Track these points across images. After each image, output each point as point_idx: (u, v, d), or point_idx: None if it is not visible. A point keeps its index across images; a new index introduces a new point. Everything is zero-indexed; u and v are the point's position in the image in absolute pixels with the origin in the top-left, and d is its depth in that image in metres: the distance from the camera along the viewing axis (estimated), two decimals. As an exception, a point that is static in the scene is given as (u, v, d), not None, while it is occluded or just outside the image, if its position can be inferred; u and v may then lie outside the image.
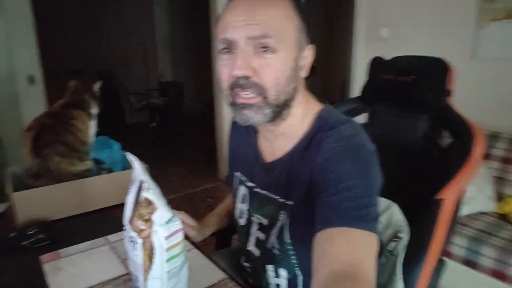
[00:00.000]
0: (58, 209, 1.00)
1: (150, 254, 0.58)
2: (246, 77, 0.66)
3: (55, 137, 1.02)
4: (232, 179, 0.93)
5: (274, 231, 0.77)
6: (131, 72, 5.94)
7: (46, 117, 1.06)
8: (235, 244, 1.23)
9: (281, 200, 0.76)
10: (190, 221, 0.95)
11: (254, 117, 0.69)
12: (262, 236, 0.82)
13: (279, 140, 0.77)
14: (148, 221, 0.58)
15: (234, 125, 0.96)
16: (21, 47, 2.45)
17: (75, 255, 0.82)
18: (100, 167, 1.16)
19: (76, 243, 0.87)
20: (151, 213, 0.58)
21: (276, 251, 0.78)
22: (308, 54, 0.72)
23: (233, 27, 0.65)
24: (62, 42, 5.38)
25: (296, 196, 0.73)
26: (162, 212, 0.57)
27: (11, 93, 2.48)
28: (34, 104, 2.54)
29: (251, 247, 0.85)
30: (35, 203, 0.96)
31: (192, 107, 6.39)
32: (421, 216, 0.84)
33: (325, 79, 5.10)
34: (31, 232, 0.87)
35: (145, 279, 0.59)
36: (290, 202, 0.74)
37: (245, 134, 0.89)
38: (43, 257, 0.81)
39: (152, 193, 0.58)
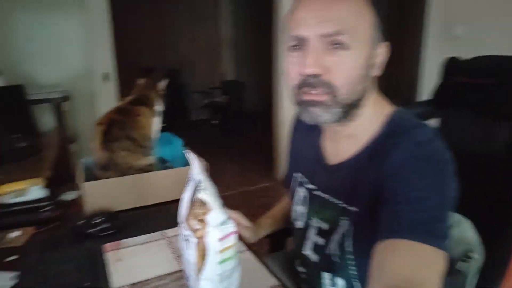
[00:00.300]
0: (121, 200, 1.05)
1: (203, 255, 0.57)
2: (316, 76, 0.63)
3: (122, 133, 1.07)
4: (291, 180, 0.90)
5: (336, 237, 0.73)
6: (196, 71, 6.17)
7: (114, 113, 1.12)
8: (289, 247, 1.21)
9: (343, 205, 0.71)
10: (245, 221, 0.94)
11: (321, 115, 0.66)
12: (321, 241, 0.77)
13: (345, 142, 0.73)
14: (202, 221, 0.58)
15: (296, 125, 0.93)
16: (98, 47, 2.66)
17: (134, 247, 0.85)
18: (164, 166, 1.21)
19: (135, 235, 0.90)
20: (205, 213, 0.57)
21: (336, 259, 0.74)
22: (382, 52, 0.68)
23: (306, 24, 0.63)
24: (135, 41, 5.74)
25: (361, 203, 0.68)
26: (216, 214, 0.57)
27: (88, 89, 2.70)
28: (107, 99, 2.74)
29: (308, 251, 0.81)
30: (101, 194, 1.02)
31: (252, 106, 6.46)
32: (499, 236, 0.75)
33: (390, 78, 4.85)
34: (97, 221, 0.92)
35: (197, 279, 0.59)
36: (353, 208, 0.69)
37: (308, 134, 0.86)
38: (106, 246, 0.85)
39: (207, 193, 0.57)
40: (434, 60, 2.92)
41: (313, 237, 0.80)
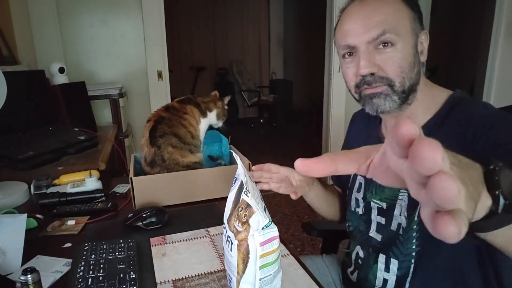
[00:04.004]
0: (169, 196, 1.08)
1: (244, 258, 0.57)
2: (372, 74, 0.73)
3: (169, 129, 1.10)
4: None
5: (397, 212, 0.78)
6: (245, 70, 6.24)
7: (162, 111, 1.15)
8: (341, 252, 1.19)
9: None
10: (297, 175, 0.95)
11: (383, 104, 0.75)
12: (382, 220, 0.83)
13: None
14: (245, 224, 0.57)
15: (353, 120, 1.03)
16: (153, 46, 2.77)
17: (178, 243, 0.87)
18: (216, 163, 1.22)
19: (181, 231, 0.92)
20: (249, 216, 0.56)
21: (401, 231, 0.77)
22: (424, 39, 0.76)
23: (353, 34, 0.73)
24: (187, 41, 5.93)
25: None
26: (259, 217, 0.56)
27: (143, 87, 2.83)
28: (160, 96, 2.84)
29: (373, 233, 0.86)
30: (149, 189, 1.05)
31: (300, 105, 6.41)
32: None
33: (450, 80, 4.55)
34: (145, 215, 0.95)
35: (238, 282, 0.58)
36: None
37: (366, 126, 0.95)
38: (152, 240, 0.88)
39: (250, 196, 0.56)
40: (502, 60, 2.69)
41: (375, 218, 0.86)
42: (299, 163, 0.34)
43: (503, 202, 0.36)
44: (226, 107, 1.31)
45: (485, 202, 0.36)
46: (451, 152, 0.31)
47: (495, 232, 0.40)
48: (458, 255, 0.73)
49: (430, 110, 0.77)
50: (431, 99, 0.78)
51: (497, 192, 0.36)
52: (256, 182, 0.94)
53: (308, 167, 0.34)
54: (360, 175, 0.90)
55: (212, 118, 1.25)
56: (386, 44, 0.71)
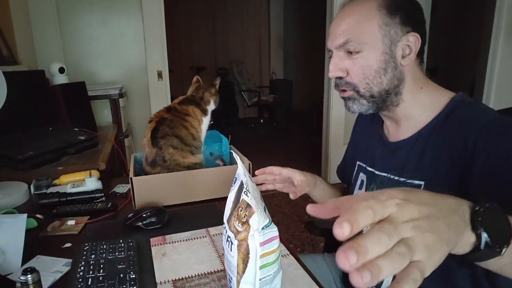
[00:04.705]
0: (169, 196, 1.08)
1: (244, 258, 0.57)
2: (340, 78, 0.78)
3: (170, 130, 1.10)
4: (348, 169, 1.01)
5: None
6: (245, 70, 6.24)
7: (164, 112, 1.15)
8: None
9: (405, 180, 0.78)
10: (299, 176, 0.97)
11: (352, 106, 0.79)
12: None
13: (404, 123, 0.81)
14: (245, 224, 0.57)
15: (358, 120, 1.05)
16: (153, 45, 2.77)
17: (178, 243, 0.87)
18: (215, 162, 1.22)
19: (181, 231, 0.92)
20: (249, 216, 0.56)
21: None
22: (412, 41, 0.74)
23: (329, 39, 0.79)
24: (187, 41, 5.93)
25: (428, 176, 0.73)
26: (259, 217, 0.56)
27: (143, 87, 2.83)
28: (160, 97, 2.84)
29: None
30: (150, 189, 1.05)
31: (300, 105, 6.42)
32: None
33: (450, 80, 4.56)
34: (145, 215, 0.95)
35: (238, 282, 0.58)
36: (419, 182, 0.75)
37: (370, 124, 0.96)
38: (152, 240, 0.88)
39: (250, 196, 0.56)
40: (503, 59, 2.69)
41: None
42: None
43: (485, 239, 0.40)
44: (216, 90, 1.32)
45: (470, 239, 0.41)
46: (440, 197, 0.38)
47: (486, 262, 0.44)
48: (448, 256, 0.72)
49: (432, 111, 0.77)
50: (432, 100, 0.78)
51: (478, 231, 0.40)
52: (260, 184, 0.96)
53: None
54: (364, 172, 0.91)
55: (212, 107, 1.26)
56: (351, 52, 0.75)
